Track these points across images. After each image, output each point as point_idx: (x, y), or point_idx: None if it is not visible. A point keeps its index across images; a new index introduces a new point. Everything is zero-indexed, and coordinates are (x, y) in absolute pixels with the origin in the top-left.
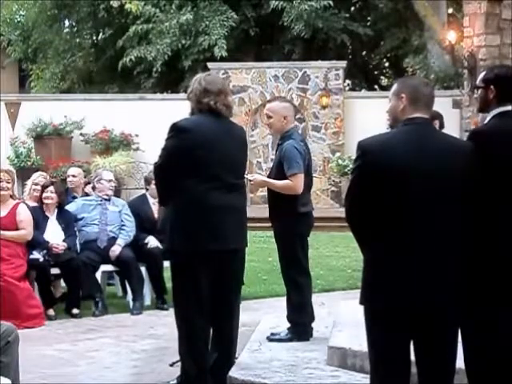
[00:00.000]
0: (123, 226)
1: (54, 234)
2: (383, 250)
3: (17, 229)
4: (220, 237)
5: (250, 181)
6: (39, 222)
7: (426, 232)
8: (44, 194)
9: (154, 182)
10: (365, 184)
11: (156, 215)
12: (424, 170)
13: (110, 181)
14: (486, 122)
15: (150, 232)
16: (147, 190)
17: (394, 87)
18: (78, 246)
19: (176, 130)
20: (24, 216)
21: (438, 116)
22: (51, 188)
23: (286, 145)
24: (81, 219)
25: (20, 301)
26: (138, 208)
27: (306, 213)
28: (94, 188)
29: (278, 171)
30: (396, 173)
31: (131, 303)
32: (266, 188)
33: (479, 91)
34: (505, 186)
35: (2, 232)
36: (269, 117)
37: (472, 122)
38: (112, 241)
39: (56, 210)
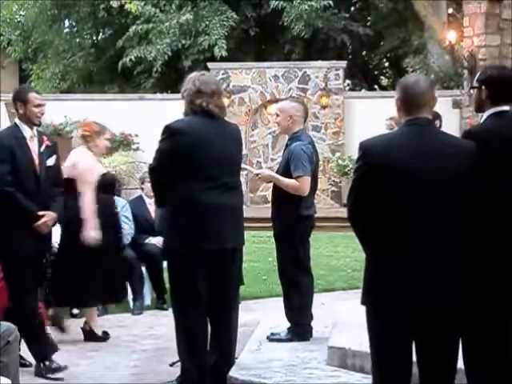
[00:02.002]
0: (121, 228)
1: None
2: (385, 250)
3: None
4: (216, 236)
5: (257, 175)
6: None
7: (427, 232)
8: None
9: (147, 181)
10: (366, 184)
11: (153, 215)
12: (425, 170)
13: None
14: (481, 122)
15: (148, 233)
16: (142, 189)
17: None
18: None
19: (169, 132)
20: None
21: (438, 116)
22: None
23: (295, 146)
24: None
25: None
26: (135, 209)
27: (308, 216)
28: None
29: (285, 172)
30: (397, 173)
31: (131, 303)
32: (266, 188)
33: (474, 91)
34: (497, 185)
35: None
36: (277, 115)
37: (467, 123)
38: None
39: None
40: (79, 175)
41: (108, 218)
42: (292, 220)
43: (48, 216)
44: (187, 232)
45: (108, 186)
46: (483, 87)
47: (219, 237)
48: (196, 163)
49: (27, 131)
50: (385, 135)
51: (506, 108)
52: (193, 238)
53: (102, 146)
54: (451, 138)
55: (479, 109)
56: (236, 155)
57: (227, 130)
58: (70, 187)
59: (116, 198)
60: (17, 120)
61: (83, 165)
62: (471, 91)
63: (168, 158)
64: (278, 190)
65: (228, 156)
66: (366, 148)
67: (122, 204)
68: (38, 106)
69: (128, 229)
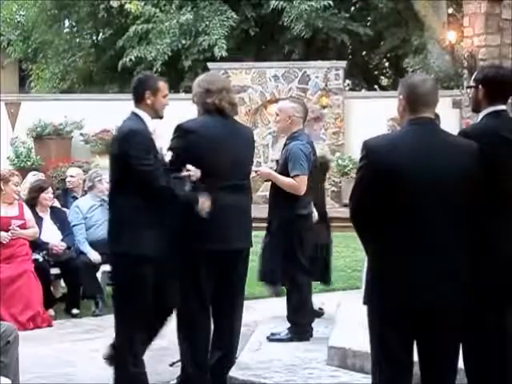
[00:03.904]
0: None
1: (51, 234)
2: (386, 250)
3: (26, 228)
4: (224, 237)
5: (256, 172)
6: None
7: (429, 232)
8: (46, 195)
9: None
10: (369, 183)
11: None
12: (428, 170)
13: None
14: (478, 121)
15: None
16: None
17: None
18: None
19: (181, 131)
20: (29, 215)
21: (437, 116)
22: (50, 189)
23: (293, 145)
24: (85, 219)
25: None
26: None
27: (305, 215)
28: (91, 188)
29: (283, 171)
30: (400, 173)
31: None
32: (266, 188)
33: (471, 91)
34: (496, 184)
35: (22, 231)
36: (277, 115)
37: (464, 123)
38: None
39: (49, 210)
40: None
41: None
42: (289, 219)
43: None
44: (193, 231)
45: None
46: (480, 86)
47: (225, 237)
48: (206, 163)
49: (151, 124)
50: (388, 135)
51: (503, 107)
52: (199, 238)
53: (318, 129)
54: (454, 137)
55: (476, 108)
56: (247, 157)
57: (240, 132)
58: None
59: None
60: (138, 111)
61: None
62: (468, 91)
63: (178, 157)
64: (275, 189)
65: (239, 158)
66: (369, 147)
67: None
68: (166, 95)
69: None
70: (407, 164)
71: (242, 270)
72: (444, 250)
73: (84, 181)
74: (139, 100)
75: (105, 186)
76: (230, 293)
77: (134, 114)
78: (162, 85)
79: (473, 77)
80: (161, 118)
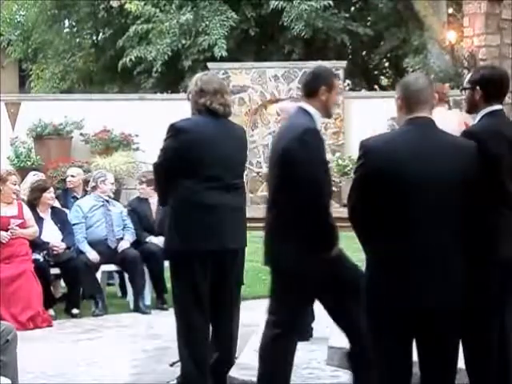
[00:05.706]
0: (127, 226)
1: (52, 234)
2: (385, 250)
3: (25, 227)
4: (218, 237)
5: (258, 173)
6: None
7: (427, 232)
8: (48, 195)
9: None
10: (367, 183)
11: (154, 215)
12: (425, 170)
13: (113, 183)
14: (475, 121)
15: (149, 232)
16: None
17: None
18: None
19: (174, 131)
20: (29, 214)
21: None
22: (52, 189)
23: None
24: (85, 218)
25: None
26: (137, 207)
27: None
28: (95, 188)
29: None
30: (397, 173)
31: (131, 303)
32: (266, 188)
33: (466, 92)
34: (497, 184)
35: (21, 230)
36: (279, 114)
37: (465, 124)
38: (120, 241)
39: (49, 211)
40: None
41: None
42: None
43: None
44: (188, 232)
45: None
46: (477, 87)
47: (220, 237)
48: (198, 162)
49: (320, 122)
50: (385, 134)
51: (500, 107)
52: (194, 238)
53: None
54: (452, 137)
55: (472, 109)
56: (239, 156)
57: (232, 131)
58: None
59: (111, 200)
60: (308, 106)
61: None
62: (462, 93)
63: (171, 156)
64: None
65: (231, 156)
66: (366, 147)
67: (119, 206)
68: (337, 94)
69: (132, 227)
70: (405, 163)
71: (237, 269)
72: (443, 250)
73: (84, 180)
74: (312, 95)
75: (108, 186)
76: (226, 292)
77: (303, 110)
78: (336, 82)
79: (467, 78)
80: (330, 117)
